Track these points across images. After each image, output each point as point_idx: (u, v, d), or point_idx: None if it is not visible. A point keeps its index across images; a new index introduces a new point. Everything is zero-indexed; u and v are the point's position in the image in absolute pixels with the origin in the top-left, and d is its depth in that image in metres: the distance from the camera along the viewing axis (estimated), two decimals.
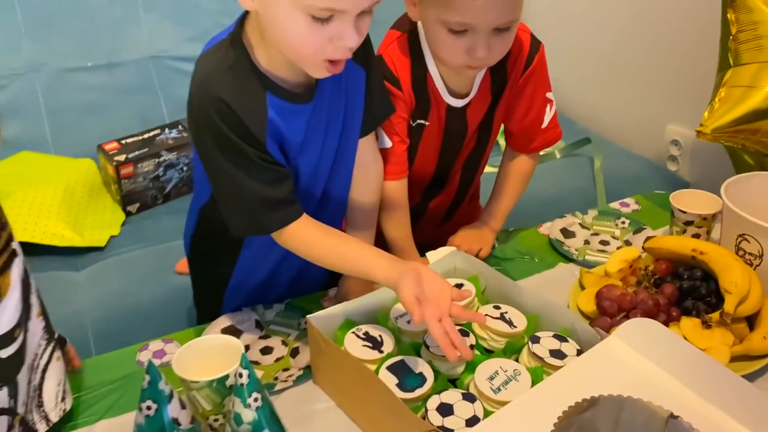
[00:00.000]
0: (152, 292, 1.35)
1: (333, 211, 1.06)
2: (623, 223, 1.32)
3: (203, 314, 1.17)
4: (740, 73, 1.12)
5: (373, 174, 1.08)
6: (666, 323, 0.98)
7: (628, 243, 1.27)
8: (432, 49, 1.04)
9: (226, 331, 1.04)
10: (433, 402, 0.80)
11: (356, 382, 0.86)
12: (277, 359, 1.00)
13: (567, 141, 1.80)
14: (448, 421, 0.78)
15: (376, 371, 0.88)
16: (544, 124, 1.17)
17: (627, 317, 0.98)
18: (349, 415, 0.89)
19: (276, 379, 0.96)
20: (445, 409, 0.79)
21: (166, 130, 1.63)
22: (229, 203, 0.92)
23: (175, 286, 1.36)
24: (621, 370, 0.82)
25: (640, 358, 0.84)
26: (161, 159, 1.56)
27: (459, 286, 1.01)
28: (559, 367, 0.86)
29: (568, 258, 1.22)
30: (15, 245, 0.79)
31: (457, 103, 1.12)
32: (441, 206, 1.29)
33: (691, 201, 1.21)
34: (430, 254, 1.05)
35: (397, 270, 0.87)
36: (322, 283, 1.16)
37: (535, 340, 0.89)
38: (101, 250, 1.50)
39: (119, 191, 1.56)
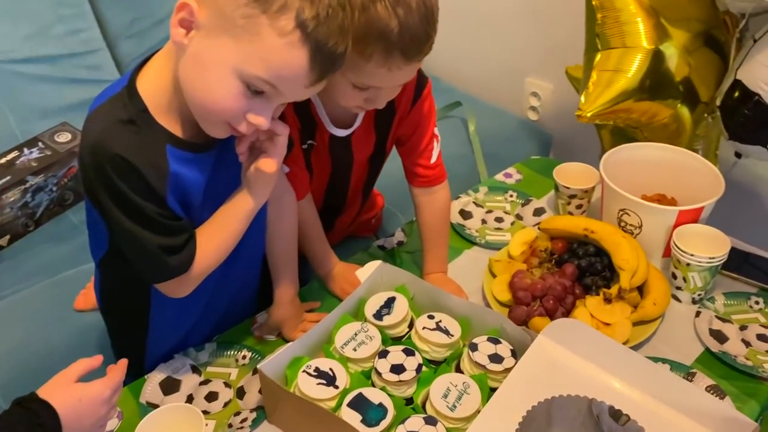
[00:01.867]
0: (57, 337, 1.26)
1: (249, 257, 1.06)
2: (511, 196, 1.42)
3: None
4: (608, 57, 1.23)
5: (287, 206, 1.08)
6: (573, 303, 1.11)
7: (519, 217, 1.38)
8: (327, 89, 0.94)
9: (163, 384, 1.02)
10: None
11: (319, 424, 0.90)
12: (225, 404, 1.01)
13: (438, 104, 1.86)
14: None
15: (336, 408, 0.92)
16: (433, 160, 1.17)
17: (541, 303, 1.10)
18: None
19: (230, 426, 0.97)
20: None
21: (25, 150, 1.47)
22: (134, 254, 0.90)
23: (81, 327, 1.28)
24: (554, 369, 0.93)
25: (567, 353, 0.95)
26: (27, 185, 1.42)
27: (391, 299, 1.06)
28: (499, 372, 0.95)
29: (471, 242, 1.31)
30: None
31: (341, 132, 1.10)
32: (345, 221, 1.32)
33: (571, 174, 1.33)
34: (359, 272, 1.08)
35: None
36: (252, 310, 1.16)
37: (474, 347, 0.98)
38: None
39: None
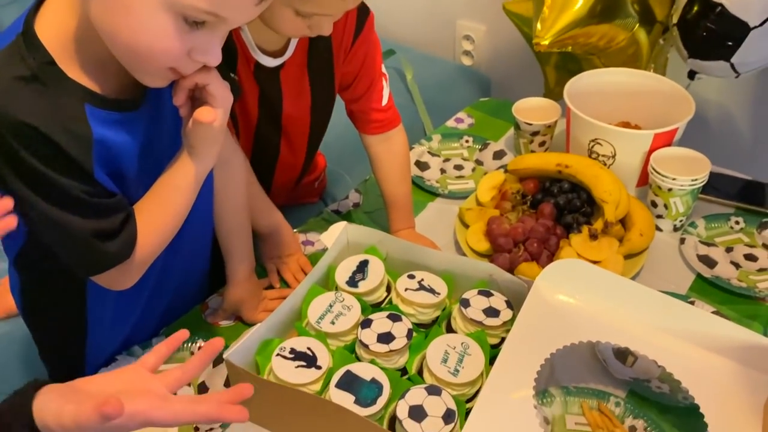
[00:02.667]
0: None
1: (196, 232, 0.90)
2: (467, 141, 1.32)
3: (57, 370, 0.96)
4: None
5: (237, 170, 0.93)
6: (557, 244, 1.02)
7: (479, 162, 1.28)
8: (265, 17, 0.84)
9: None
10: (402, 409, 0.75)
11: (305, 412, 0.77)
12: None
13: None
14: (427, 425, 0.73)
15: (322, 391, 0.79)
16: (385, 101, 1.05)
17: (524, 248, 1.00)
18: None
19: (197, 430, 0.83)
20: (417, 413, 0.74)
21: None
22: (61, 244, 0.73)
23: None
24: (558, 315, 0.84)
25: (569, 297, 0.86)
26: None
27: (364, 263, 0.94)
28: (498, 327, 0.85)
29: (433, 193, 1.20)
30: None
31: (269, 62, 0.94)
32: (284, 182, 1.17)
33: (530, 110, 1.24)
34: (323, 237, 0.95)
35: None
36: (203, 295, 1.00)
37: (465, 303, 0.87)
38: None
39: None
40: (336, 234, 0.95)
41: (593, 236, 1.01)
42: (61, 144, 0.66)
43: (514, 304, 0.87)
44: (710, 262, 1.04)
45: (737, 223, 1.11)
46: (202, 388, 0.88)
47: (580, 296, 0.85)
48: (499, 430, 0.71)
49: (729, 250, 1.07)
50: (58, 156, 0.66)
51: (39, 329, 0.93)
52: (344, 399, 0.76)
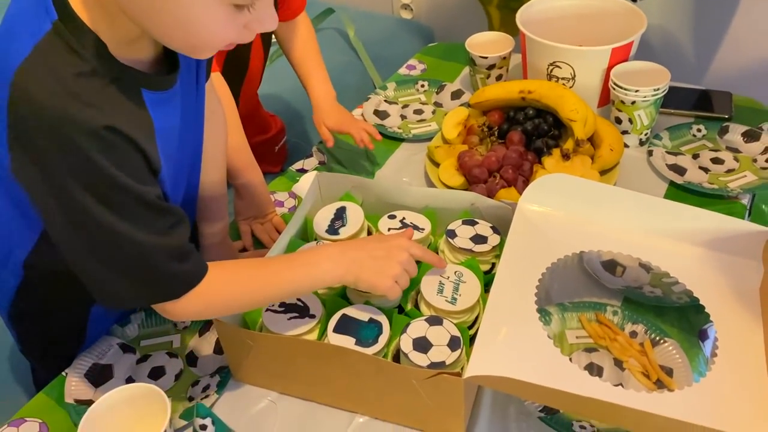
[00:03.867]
0: None
1: (192, 188, 0.85)
2: (422, 86, 1.30)
3: (43, 364, 0.90)
4: None
5: (221, 121, 0.88)
6: (531, 170, 1.01)
7: (438, 104, 1.26)
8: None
9: (91, 374, 0.82)
10: (406, 342, 0.72)
11: (309, 361, 0.74)
12: (177, 376, 0.82)
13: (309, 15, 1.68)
14: (434, 354, 0.71)
15: (319, 339, 0.76)
16: None
17: (500, 176, 0.99)
18: (309, 398, 0.78)
19: (191, 399, 0.79)
20: (422, 344, 0.72)
21: None
22: (107, 266, 0.61)
23: None
24: (547, 233, 0.83)
25: (555, 213, 0.85)
26: None
27: (341, 209, 0.91)
28: (488, 252, 0.84)
29: (397, 139, 1.17)
30: None
31: None
32: (251, 98, 1.15)
33: (483, 45, 1.22)
34: (296, 188, 0.91)
35: (340, 258, 0.73)
36: None
37: (451, 234, 0.85)
38: None
39: None
40: (308, 184, 0.91)
41: (565, 156, 1.00)
42: (137, 140, 0.59)
43: (502, 229, 0.86)
44: (680, 170, 1.05)
45: (699, 130, 1.13)
46: (192, 359, 0.84)
47: (564, 209, 0.84)
48: (508, 350, 0.70)
49: (696, 156, 1.08)
50: (135, 155, 0.59)
51: (32, 330, 0.86)
52: (345, 342, 0.73)
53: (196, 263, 0.65)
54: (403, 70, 1.36)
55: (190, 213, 0.86)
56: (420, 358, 0.71)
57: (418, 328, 0.74)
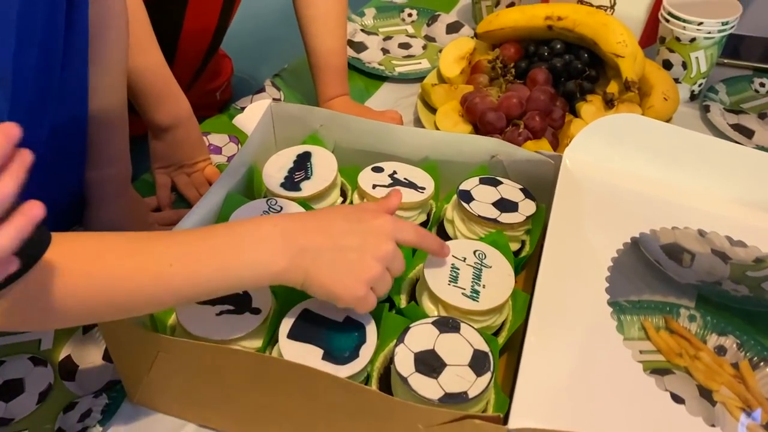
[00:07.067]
0: None
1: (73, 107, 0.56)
2: (410, 15, 1.02)
3: None
4: None
5: (122, 30, 0.58)
6: (562, 118, 0.75)
7: (429, 38, 0.98)
8: None
9: None
10: (404, 359, 0.45)
11: (246, 385, 0.46)
12: (42, 397, 0.53)
13: None
14: (449, 380, 0.44)
15: (265, 348, 0.49)
16: None
17: (524, 124, 0.72)
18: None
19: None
20: (429, 363, 0.45)
21: None
22: None
23: None
24: (607, 198, 0.57)
25: (617, 169, 0.59)
26: None
27: (304, 156, 0.63)
28: (521, 224, 0.57)
29: (378, 77, 0.90)
30: None
31: None
32: (192, 58, 0.83)
33: None
34: (238, 119, 0.63)
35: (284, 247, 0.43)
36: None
37: (466, 197, 0.58)
38: None
39: None
40: (256, 118, 0.63)
41: (609, 103, 0.75)
42: None
43: (537, 192, 0.60)
44: (746, 131, 0.81)
45: (762, 85, 0.89)
46: (68, 369, 0.55)
47: (631, 168, 0.59)
48: (580, 380, 0.44)
49: (763, 116, 0.84)
50: None
51: None
52: (306, 354, 0.46)
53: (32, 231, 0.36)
54: None
55: (74, 157, 0.57)
56: (427, 386, 0.44)
57: (422, 335, 0.47)
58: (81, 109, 0.56)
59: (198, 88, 0.94)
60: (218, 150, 0.78)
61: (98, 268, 0.39)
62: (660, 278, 0.63)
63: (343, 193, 0.64)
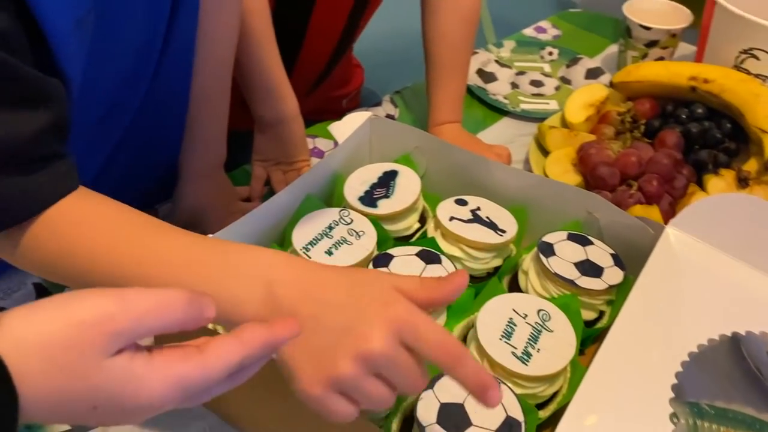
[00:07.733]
0: None
1: (167, 111, 0.58)
2: (550, 54, 0.98)
3: None
4: None
5: (232, 6, 0.60)
6: (685, 188, 0.68)
7: (565, 80, 0.93)
8: None
9: None
10: (427, 409, 0.42)
11: (276, 403, 0.45)
12: None
13: None
14: None
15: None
16: None
17: (638, 186, 0.66)
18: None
19: None
20: (454, 418, 0.42)
21: None
22: None
23: None
24: (704, 285, 0.50)
25: (721, 255, 0.52)
26: None
27: (391, 174, 0.61)
28: (601, 293, 0.52)
29: (500, 110, 0.86)
30: None
31: None
32: (306, 71, 0.85)
33: (646, 13, 0.89)
34: (333, 127, 0.63)
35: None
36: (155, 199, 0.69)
37: (548, 250, 0.54)
38: None
39: None
40: (353, 126, 0.62)
41: (743, 181, 0.67)
42: None
43: (630, 262, 0.54)
44: None
45: None
46: None
47: (744, 258, 0.51)
48: None
49: None
50: None
51: None
52: None
53: (55, 177, 0.37)
54: (529, 31, 1.05)
55: (172, 130, 0.59)
56: None
57: (454, 386, 0.43)
58: (182, 85, 0.57)
59: (323, 91, 0.95)
60: (321, 154, 0.79)
61: (96, 229, 0.39)
62: (756, 389, 0.54)
63: (423, 219, 0.61)
